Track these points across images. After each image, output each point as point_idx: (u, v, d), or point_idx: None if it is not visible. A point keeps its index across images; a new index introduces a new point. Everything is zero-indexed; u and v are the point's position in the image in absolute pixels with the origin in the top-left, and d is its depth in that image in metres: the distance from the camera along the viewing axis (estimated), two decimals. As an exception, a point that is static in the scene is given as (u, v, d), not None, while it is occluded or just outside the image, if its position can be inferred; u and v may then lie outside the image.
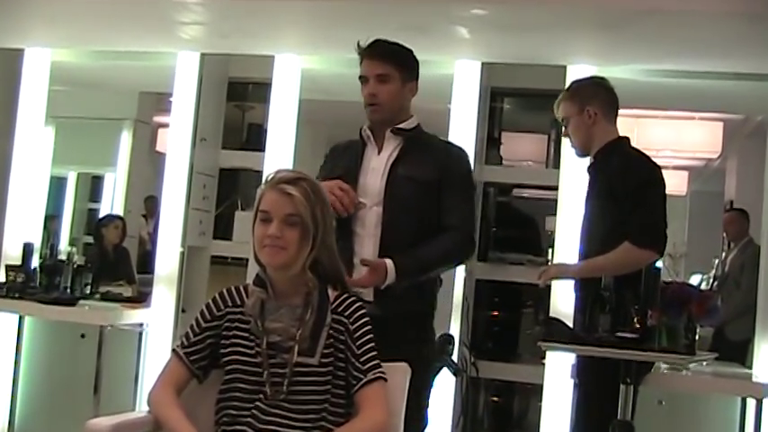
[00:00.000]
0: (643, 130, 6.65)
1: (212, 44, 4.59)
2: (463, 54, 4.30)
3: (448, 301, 4.05)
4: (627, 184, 2.86)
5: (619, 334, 2.85)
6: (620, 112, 6.67)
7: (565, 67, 4.15)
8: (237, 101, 5.30)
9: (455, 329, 4.17)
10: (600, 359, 2.81)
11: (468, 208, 2.58)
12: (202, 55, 4.73)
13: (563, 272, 3.12)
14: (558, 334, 2.88)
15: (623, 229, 2.82)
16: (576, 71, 4.16)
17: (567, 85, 3.02)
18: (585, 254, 3.01)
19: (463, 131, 4.26)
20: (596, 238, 2.94)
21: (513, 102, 5.00)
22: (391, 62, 2.54)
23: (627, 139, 3.08)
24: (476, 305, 4.45)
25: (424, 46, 4.50)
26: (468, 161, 2.66)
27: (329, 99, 4.96)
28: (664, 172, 9.16)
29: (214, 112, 4.91)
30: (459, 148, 2.66)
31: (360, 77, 2.57)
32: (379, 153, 2.59)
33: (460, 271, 4.24)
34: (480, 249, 4.45)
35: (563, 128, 3.07)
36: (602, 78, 3.25)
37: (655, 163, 3.02)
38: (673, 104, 5.69)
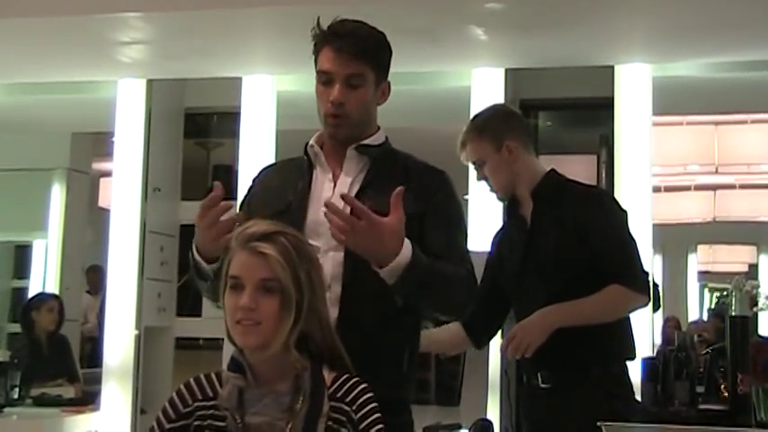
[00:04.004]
0: (726, 140, 6.67)
1: (161, 68, 4.72)
2: (481, 61, 4.45)
3: (481, 378, 4.11)
4: (600, 221, 3.01)
5: (702, 406, 2.95)
6: (695, 119, 6.73)
7: (612, 68, 4.28)
8: (198, 137, 5.43)
9: (493, 413, 4.23)
10: None
11: (464, 247, 2.46)
12: (149, 82, 4.87)
13: (547, 327, 2.99)
14: (622, 410, 2.96)
15: (590, 274, 2.93)
16: (628, 72, 4.30)
17: (470, 122, 3.16)
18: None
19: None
20: (558, 288, 3.02)
21: (548, 116, 5.14)
22: (369, 60, 2.39)
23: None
24: (520, 379, 4.51)
25: (432, 53, 4.62)
26: (455, 188, 2.54)
27: (313, 128, 5.01)
28: (760, 192, 9.06)
29: (169, 154, 5.06)
30: (443, 172, 2.54)
31: (320, 73, 2.41)
32: (334, 179, 2.46)
33: (495, 337, 4.31)
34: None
35: (477, 171, 3.17)
36: (507, 106, 3.43)
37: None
38: (763, 105, 5.74)
